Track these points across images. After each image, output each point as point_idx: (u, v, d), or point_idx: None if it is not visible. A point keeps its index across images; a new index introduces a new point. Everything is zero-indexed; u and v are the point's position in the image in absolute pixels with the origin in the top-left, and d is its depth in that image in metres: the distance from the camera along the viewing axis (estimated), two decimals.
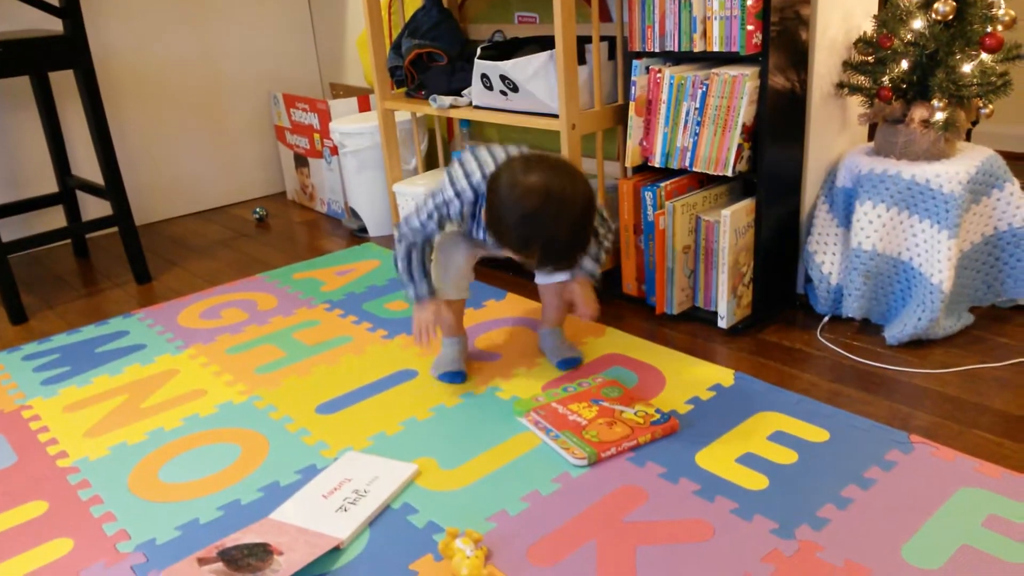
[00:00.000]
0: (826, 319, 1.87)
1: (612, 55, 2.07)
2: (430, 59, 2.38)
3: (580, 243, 1.46)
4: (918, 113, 1.69)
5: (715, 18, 1.71)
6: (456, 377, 1.74)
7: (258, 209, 3.07)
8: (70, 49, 2.27)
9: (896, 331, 1.73)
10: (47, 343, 2.10)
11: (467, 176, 1.54)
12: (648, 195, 1.91)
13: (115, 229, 2.56)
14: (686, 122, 1.83)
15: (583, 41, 1.98)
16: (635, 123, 1.92)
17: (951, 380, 1.60)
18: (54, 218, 2.85)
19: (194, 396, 1.76)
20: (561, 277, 1.68)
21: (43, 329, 2.20)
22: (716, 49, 1.74)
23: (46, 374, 1.92)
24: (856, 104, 1.89)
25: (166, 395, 1.78)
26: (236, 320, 2.15)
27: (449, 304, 1.70)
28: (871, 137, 1.94)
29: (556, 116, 1.99)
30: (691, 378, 1.68)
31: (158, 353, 1.99)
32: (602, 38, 2.03)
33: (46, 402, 1.79)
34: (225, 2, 3.16)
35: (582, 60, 1.98)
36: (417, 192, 2.45)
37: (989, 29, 1.62)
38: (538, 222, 1.39)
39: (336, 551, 1.24)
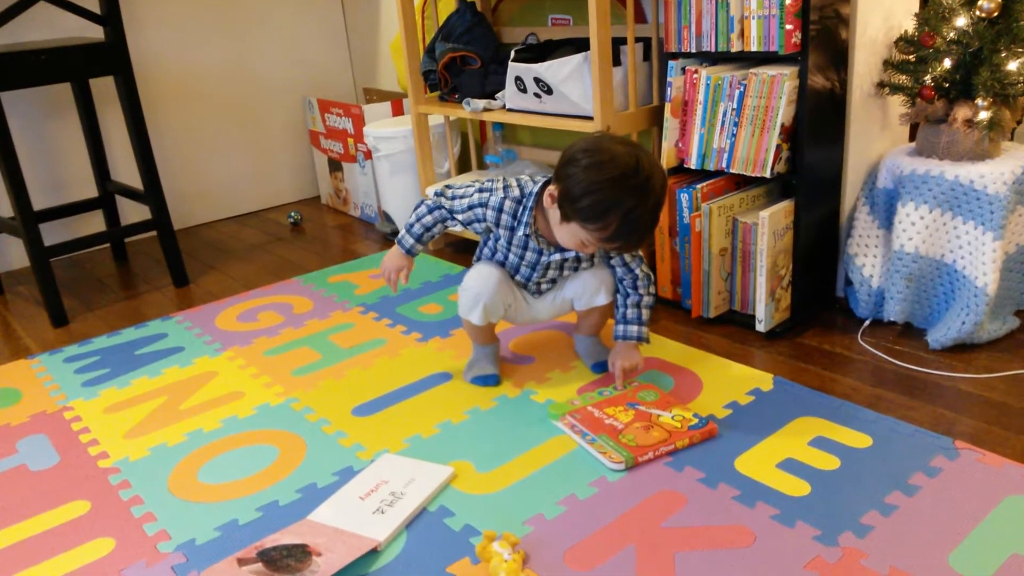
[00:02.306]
0: (867, 323, 1.84)
1: (647, 56, 2.06)
2: (464, 63, 2.39)
3: (655, 222, 1.46)
4: (961, 113, 1.66)
5: (753, 17, 1.70)
6: (489, 380, 1.73)
7: (293, 214, 3.10)
8: (111, 56, 2.31)
9: (939, 335, 1.69)
10: (88, 345, 2.13)
11: (517, 179, 1.59)
12: (684, 197, 1.89)
13: (153, 233, 2.59)
14: (723, 123, 1.81)
15: (618, 42, 1.98)
16: (671, 124, 1.90)
17: (997, 385, 1.56)
18: (94, 222, 2.90)
19: (232, 398, 1.78)
20: (601, 300, 1.68)
21: (84, 331, 2.24)
22: (754, 49, 1.72)
23: (87, 376, 1.95)
24: (897, 104, 1.85)
25: (205, 397, 1.80)
26: (273, 323, 2.17)
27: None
28: (912, 137, 1.90)
29: (591, 118, 1.98)
30: (729, 382, 1.66)
31: (196, 355, 2.01)
32: (637, 39, 2.02)
33: (87, 403, 1.81)
34: (261, 9, 3.20)
35: (617, 62, 1.97)
36: None
37: None
38: (626, 188, 1.39)
39: (373, 553, 1.24)
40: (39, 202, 2.70)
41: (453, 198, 1.63)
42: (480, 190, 1.60)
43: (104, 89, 2.77)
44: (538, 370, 1.79)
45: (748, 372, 1.69)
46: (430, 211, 1.66)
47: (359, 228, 3.01)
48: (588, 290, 1.67)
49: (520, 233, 1.59)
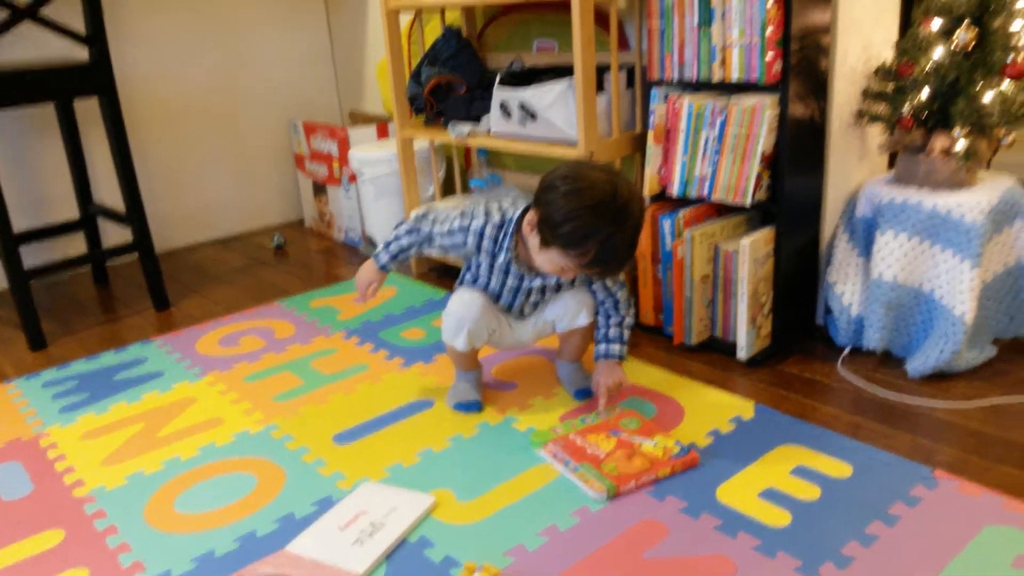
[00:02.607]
0: (847, 350, 1.85)
1: (631, 83, 2.08)
2: (449, 87, 2.40)
3: (634, 248, 1.47)
4: (939, 142, 1.68)
5: (734, 46, 1.71)
6: (471, 407, 1.73)
7: (276, 237, 3.09)
8: (95, 77, 2.30)
9: (918, 363, 1.70)
10: (66, 369, 2.11)
11: (499, 205, 1.60)
12: (667, 224, 1.90)
13: (135, 256, 2.57)
14: (705, 151, 1.82)
15: (602, 69, 1.99)
16: (653, 151, 1.92)
17: (975, 414, 1.57)
18: (75, 244, 2.88)
19: (211, 425, 1.76)
20: (582, 321, 1.68)
21: (62, 355, 2.22)
22: (735, 78, 1.74)
23: (64, 401, 1.93)
24: (876, 133, 1.88)
25: (183, 423, 1.78)
26: (254, 348, 2.15)
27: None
28: (891, 166, 1.92)
29: (575, 144, 1.99)
30: (711, 410, 1.66)
31: (176, 380, 1.99)
32: (620, 66, 2.04)
33: (64, 430, 1.79)
34: (248, 30, 3.20)
35: (600, 88, 1.99)
36: None
37: (1010, 58, 1.61)
38: (603, 215, 1.40)
39: None
40: (19, 223, 2.67)
41: (434, 223, 1.64)
42: (461, 215, 1.61)
43: (88, 109, 2.76)
44: (520, 397, 1.78)
45: (729, 400, 1.69)
46: (408, 232, 1.67)
47: (343, 252, 3.00)
48: (569, 311, 1.68)
49: (501, 259, 1.59)
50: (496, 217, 1.58)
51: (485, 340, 1.69)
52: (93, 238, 2.77)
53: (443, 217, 1.63)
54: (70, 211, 2.83)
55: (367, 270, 1.72)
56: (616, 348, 1.67)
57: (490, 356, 1.96)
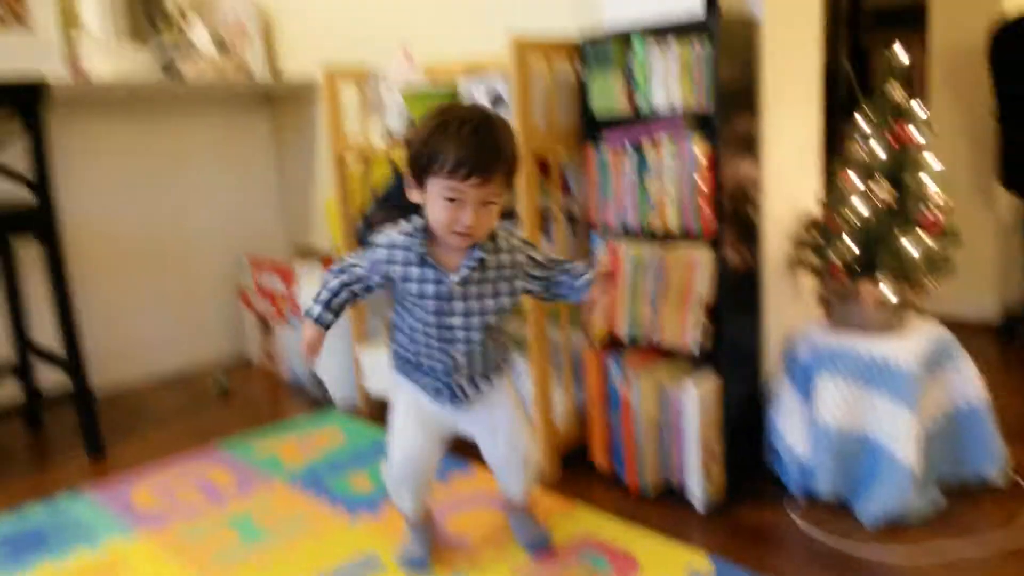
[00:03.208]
0: (799, 496, 1.85)
1: (574, 229, 2.14)
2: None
3: (500, 141, 1.41)
4: (868, 290, 1.75)
5: (669, 200, 1.79)
6: (416, 564, 1.68)
7: (220, 379, 3.00)
8: (37, 221, 2.28)
9: (869, 510, 1.71)
10: None
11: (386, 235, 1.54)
12: (613, 367, 1.92)
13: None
14: (648, 297, 1.87)
15: (545, 212, 2.05)
16: None
17: (932, 571, 1.56)
18: (7, 385, 2.76)
19: None
20: (514, 488, 1.68)
21: None
22: (672, 228, 1.80)
23: None
24: (809, 279, 1.95)
25: None
26: (191, 500, 2.06)
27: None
28: (826, 310, 1.99)
29: None
30: (666, 563, 1.63)
31: (107, 537, 1.89)
32: (562, 210, 2.10)
33: None
34: (195, 170, 3.24)
35: (545, 230, 2.04)
36: (383, 359, 2.43)
37: (927, 211, 1.71)
38: (451, 115, 1.41)
39: None
40: None
41: (353, 259, 1.57)
42: (375, 243, 1.55)
43: (27, 247, 2.72)
44: (473, 552, 1.73)
45: (685, 552, 1.67)
46: (335, 275, 1.56)
47: (288, 390, 2.95)
48: (504, 462, 1.66)
49: (414, 255, 1.48)
50: (403, 227, 1.51)
51: (429, 493, 1.68)
52: (27, 379, 2.67)
53: (359, 253, 1.57)
54: (2, 352, 2.74)
55: (308, 330, 1.56)
56: (582, 280, 1.57)
57: (444, 505, 1.91)
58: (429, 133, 1.41)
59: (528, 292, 1.59)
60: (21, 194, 2.52)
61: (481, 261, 1.49)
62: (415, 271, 1.49)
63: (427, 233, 1.49)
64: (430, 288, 1.49)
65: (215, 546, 1.83)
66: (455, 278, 1.49)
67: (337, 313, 1.57)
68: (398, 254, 1.49)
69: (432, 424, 1.64)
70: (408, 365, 1.62)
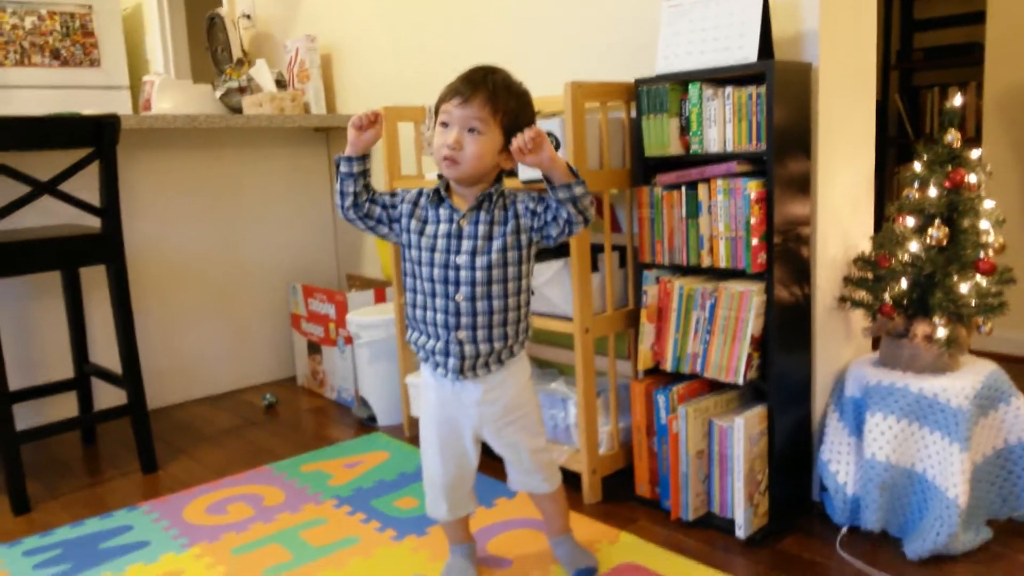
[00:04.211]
0: (844, 530, 1.85)
1: (623, 263, 2.18)
2: None
3: (486, 73, 1.54)
4: (920, 329, 1.76)
5: (721, 238, 1.82)
6: None
7: (268, 396, 3.10)
8: (105, 247, 2.38)
9: (916, 545, 1.70)
10: (49, 536, 2.06)
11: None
12: (661, 399, 1.94)
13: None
14: (696, 330, 1.90)
15: (596, 249, 2.10)
16: (646, 328, 1.99)
17: None
18: (65, 402, 2.87)
19: None
20: (537, 484, 1.69)
21: (46, 520, 2.16)
22: (723, 266, 1.83)
23: (47, 571, 1.87)
24: (859, 316, 1.96)
25: None
26: (242, 516, 2.12)
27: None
28: (875, 347, 2.00)
29: (570, 319, 2.06)
30: None
31: (162, 551, 1.95)
32: (613, 247, 2.15)
33: None
34: (252, 200, 3.35)
35: (595, 268, 2.08)
36: None
37: (981, 254, 1.72)
38: (477, 67, 1.55)
39: None
40: (12, 381, 2.67)
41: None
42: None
43: (92, 271, 2.83)
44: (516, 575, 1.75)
45: None
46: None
47: (335, 411, 3.01)
48: (523, 466, 1.68)
49: (432, 197, 1.58)
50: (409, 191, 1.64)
51: (470, 509, 1.71)
52: (85, 397, 2.77)
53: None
54: (62, 370, 2.84)
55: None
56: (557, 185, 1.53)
57: (484, 529, 1.94)
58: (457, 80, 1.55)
59: (538, 235, 1.57)
60: (85, 222, 2.65)
61: (489, 197, 1.55)
62: (431, 213, 1.58)
63: (446, 184, 1.60)
64: (442, 227, 1.56)
65: (266, 561, 1.87)
66: (463, 218, 1.55)
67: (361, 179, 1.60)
68: (421, 198, 1.60)
69: (453, 434, 1.64)
70: (414, 323, 1.63)
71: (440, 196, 1.57)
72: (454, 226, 1.55)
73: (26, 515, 2.22)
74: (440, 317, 1.56)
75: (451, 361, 1.58)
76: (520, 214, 1.56)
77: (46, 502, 2.30)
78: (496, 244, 1.54)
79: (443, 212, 1.56)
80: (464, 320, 1.55)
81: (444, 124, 1.52)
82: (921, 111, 4.23)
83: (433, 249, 1.56)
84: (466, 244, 1.54)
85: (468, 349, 1.57)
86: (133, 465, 2.54)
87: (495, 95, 1.51)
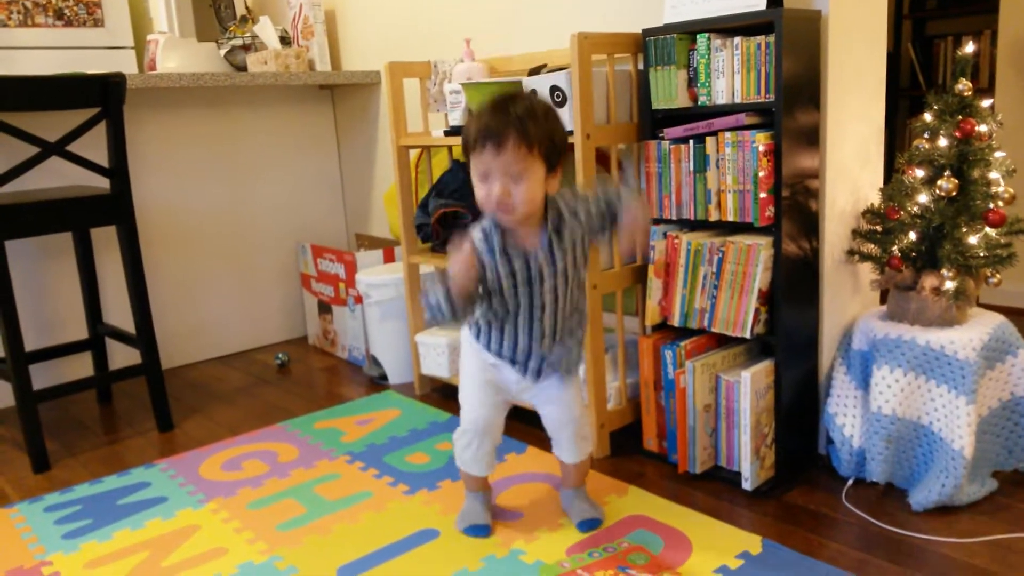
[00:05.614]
0: (850, 482, 1.87)
1: None
2: (455, 217, 2.50)
3: (512, 108, 1.45)
4: (928, 281, 1.76)
5: (728, 191, 1.81)
6: (481, 531, 1.74)
7: (280, 355, 3.13)
8: (115, 207, 2.39)
9: (921, 497, 1.72)
10: (69, 493, 2.10)
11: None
12: (668, 354, 1.95)
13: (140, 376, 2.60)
14: (703, 285, 1.90)
15: None
16: (654, 284, 1.99)
17: (980, 551, 1.58)
18: (81, 363, 2.91)
19: (215, 555, 1.75)
20: (570, 459, 1.73)
21: (65, 478, 2.21)
22: (731, 219, 1.83)
23: (68, 527, 1.92)
24: (867, 269, 1.96)
25: (187, 553, 1.77)
26: (257, 472, 2.16)
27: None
28: (883, 301, 2.00)
29: None
30: (718, 544, 1.66)
31: (179, 507, 1.99)
32: None
33: (67, 557, 1.78)
34: (261, 159, 3.34)
35: None
36: (439, 342, 2.50)
37: (991, 205, 1.71)
38: (486, 104, 1.48)
39: None
40: (28, 342, 2.71)
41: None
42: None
43: (103, 232, 2.85)
44: (526, 526, 1.78)
45: (736, 533, 1.70)
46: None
47: (346, 370, 3.04)
48: (565, 433, 1.73)
49: (497, 243, 1.53)
50: (476, 233, 1.56)
51: (492, 460, 1.77)
52: (100, 357, 2.80)
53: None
54: (79, 331, 2.88)
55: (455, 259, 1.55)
56: (624, 192, 1.57)
57: (495, 482, 1.97)
58: (468, 120, 1.50)
59: (594, 237, 1.60)
60: (93, 183, 2.66)
61: (558, 232, 1.54)
62: (498, 251, 1.53)
63: (497, 227, 1.54)
64: (516, 264, 1.54)
65: (280, 515, 1.91)
66: (539, 255, 1.54)
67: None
68: (489, 239, 1.54)
69: (497, 389, 1.70)
70: (488, 335, 1.65)
71: (504, 250, 1.53)
72: (534, 266, 1.55)
73: (46, 472, 2.26)
74: (523, 339, 1.61)
75: (531, 364, 1.65)
76: (580, 223, 1.56)
77: (65, 460, 2.34)
78: (571, 265, 1.58)
79: (515, 260, 1.54)
80: (547, 334, 1.62)
81: (484, 176, 1.47)
82: (934, 61, 4.16)
83: (515, 283, 1.55)
84: (548, 277, 1.56)
85: (551, 356, 1.65)
86: (149, 423, 2.58)
87: (525, 131, 1.44)
